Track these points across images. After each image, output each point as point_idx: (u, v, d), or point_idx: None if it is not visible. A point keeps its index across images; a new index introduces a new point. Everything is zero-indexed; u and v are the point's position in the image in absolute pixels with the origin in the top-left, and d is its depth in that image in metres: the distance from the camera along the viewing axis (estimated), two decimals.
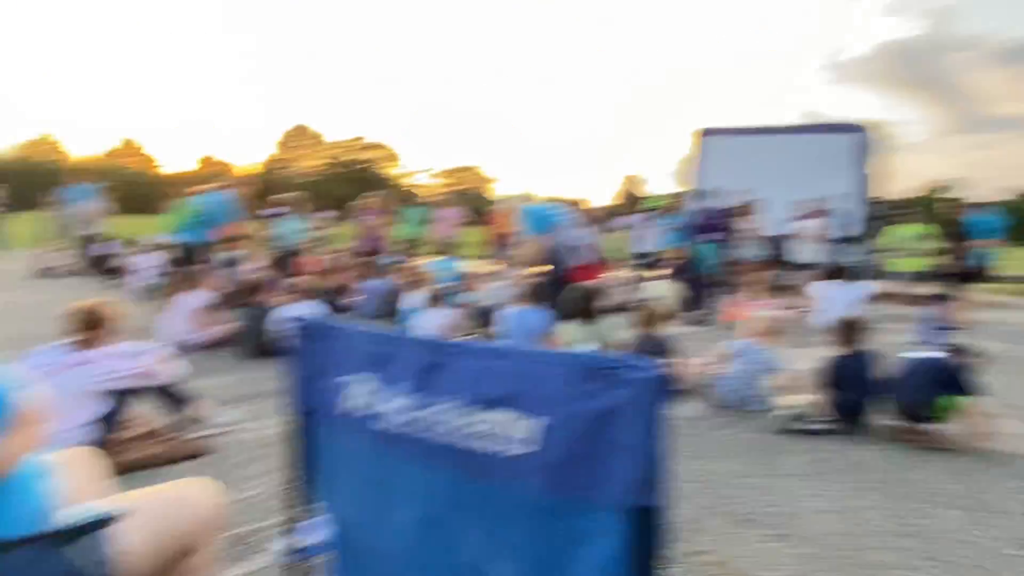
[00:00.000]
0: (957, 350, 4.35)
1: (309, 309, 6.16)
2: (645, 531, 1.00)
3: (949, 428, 4.18)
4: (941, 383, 4.08)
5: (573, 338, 5.24)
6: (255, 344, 6.10)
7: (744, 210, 12.54)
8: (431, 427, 1.22)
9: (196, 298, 6.41)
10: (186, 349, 6.21)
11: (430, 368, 1.22)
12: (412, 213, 13.94)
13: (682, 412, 4.74)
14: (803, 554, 2.70)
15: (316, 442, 1.43)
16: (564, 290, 5.57)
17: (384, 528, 1.36)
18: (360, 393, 1.31)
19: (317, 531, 1.57)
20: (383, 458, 1.31)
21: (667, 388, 1.01)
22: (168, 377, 3.69)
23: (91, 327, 3.38)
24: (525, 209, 6.51)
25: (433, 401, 1.22)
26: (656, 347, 5.18)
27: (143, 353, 3.77)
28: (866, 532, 2.92)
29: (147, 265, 10.01)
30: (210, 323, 6.50)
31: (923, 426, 4.11)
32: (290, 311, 6.16)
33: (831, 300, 8.02)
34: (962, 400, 4.07)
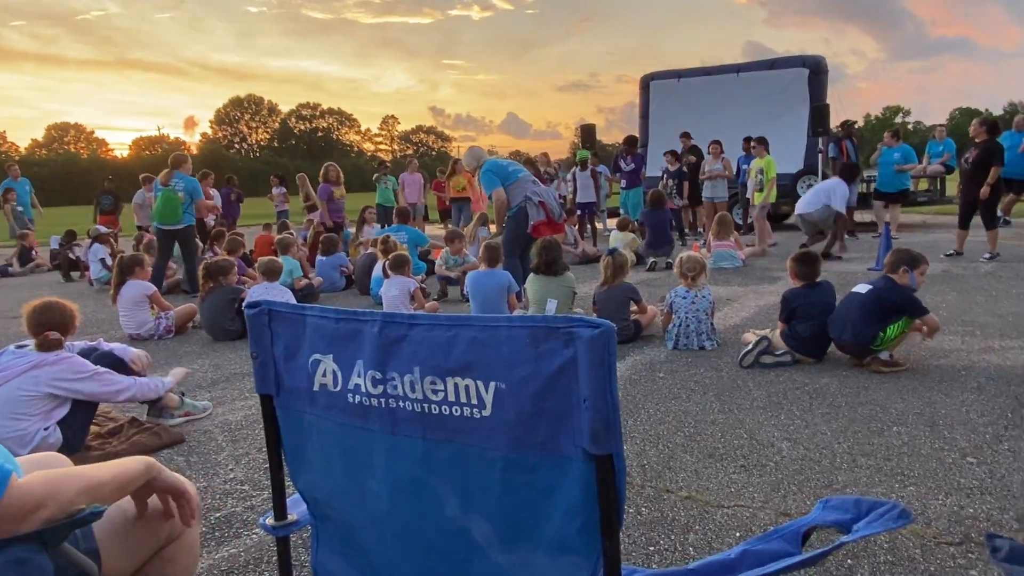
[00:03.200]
0: (895, 263, 4.37)
1: (272, 290, 6.09)
2: (606, 476, 1.06)
3: (899, 351, 4.34)
4: (886, 312, 4.20)
5: (539, 293, 5.29)
6: (219, 327, 6.04)
7: (697, 152, 12.67)
8: (398, 398, 1.27)
9: (139, 288, 6.24)
10: (148, 339, 6.13)
11: (390, 341, 1.26)
12: (388, 181, 13.82)
13: (648, 357, 4.85)
14: (769, 481, 2.81)
15: (289, 422, 1.46)
16: (530, 245, 5.60)
17: (362, 498, 1.40)
18: (327, 371, 1.34)
19: (298, 507, 1.60)
20: (355, 431, 1.35)
21: (616, 342, 1.06)
22: (135, 371, 3.65)
23: (48, 327, 3.31)
24: (487, 166, 6.44)
25: (396, 373, 1.26)
26: (618, 297, 5.27)
27: (102, 347, 3.72)
28: (826, 456, 3.05)
29: (100, 257, 9.79)
30: (170, 309, 6.40)
31: (878, 356, 4.25)
32: (254, 293, 6.10)
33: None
34: (905, 322, 4.20)
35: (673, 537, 2.42)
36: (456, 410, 1.19)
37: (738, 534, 2.42)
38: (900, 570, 2.13)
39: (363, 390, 1.29)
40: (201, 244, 9.46)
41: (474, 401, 1.16)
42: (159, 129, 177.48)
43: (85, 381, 3.27)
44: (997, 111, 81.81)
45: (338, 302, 7.83)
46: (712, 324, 5.05)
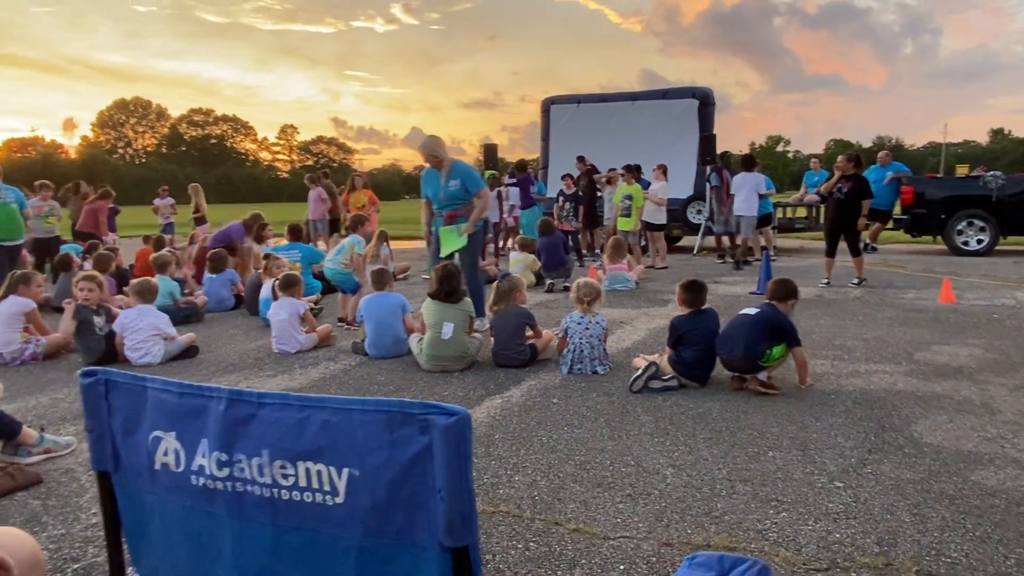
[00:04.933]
0: (774, 292, 4.70)
1: (146, 314, 5.72)
2: (462, 570, 1.03)
3: (777, 374, 4.59)
4: (767, 334, 4.45)
5: (436, 317, 5.24)
6: (90, 352, 5.62)
7: (590, 174, 13.04)
8: (245, 482, 1.20)
9: (17, 304, 5.77)
10: (9, 362, 5.63)
11: (238, 421, 1.19)
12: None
13: (543, 383, 4.89)
14: (653, 510, 2.88)
15: (129, 502, 1.34)
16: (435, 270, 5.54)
17: None
18: (168, 449, 1.25)
19: None
20: (200, 515, 1.26)
21: (472, 430, 1.04)
22: None
23: None
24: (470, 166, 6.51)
25: (244, 455, 1.20)
26: (513, 322, 5.30)
27: None
28: (707, 482, 3.16)
29: None
30: (37, 332, 5.91)
31: (758, 375, 4.48)
32: (126, 316, 5.72)
33: None
34: (785, 347, 4.47)
35: (560, 574, 2.43)
36: (308, 496, 1.14)
37: (622, 567, 2.45)
38: None
39: (208, 472, 1.22)
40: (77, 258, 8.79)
41: (327, 487, 1.12)
42: (33, 130, 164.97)
43: None
44: (867, 143, 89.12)
45: (225, 323, 7.48)
46: (605, 349, 5.16)
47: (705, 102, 14.70)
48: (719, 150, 13.92)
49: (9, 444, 3.53)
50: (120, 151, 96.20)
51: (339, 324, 6.99)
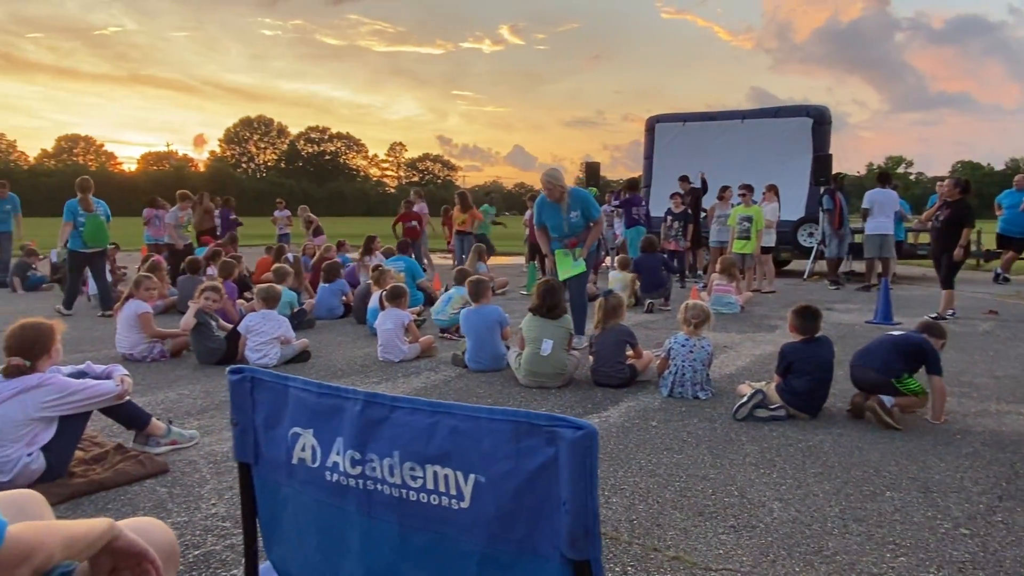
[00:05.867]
0: (928, 328, 4.55)
1: (270, 318, 6.06)
2: None
3: (909, 404, 4.35)
4: (909, 357, 4.29)
5: (536, 332, 5.27)
6: (210, 353, 6.00)
7: (696, 193, 12.76)
8: (376, 480, 1.24)
9: (134, 307, 6.21)
10: (140, 360, 6.09)
11: (372, 422, 1.24)
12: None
13: (642, 404, 4.81)
14: (759, 544, 2.76)
15: (266, 492, 1.43)
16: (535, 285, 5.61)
17: None
18: (306, 445, 1.32)
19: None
20: (331, 510, 1.32)
21: (598, 444, 1.04)
22: (121, 395, 3.59)
23: (31, 349, 3.27)
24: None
25: (376, 455, 1.24)
26: (614, 340, 5.24)
27: (93, 371, 3.68)
28: (817, 519, 3.00)
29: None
30: (162, 332, 6.37)
31: (885, 398, 4.26)
32: (251, 319, 6.07)
33: None
34: (919, 387, 4.26)
35: None
36: (434, 499, 1.17)
37: None
38: None
39: (341, 469, 1.27)
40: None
41: (453, 492, 1.15)
42: (168, 145, 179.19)
43: (72, 396, 3.27)
44: (999, 166, 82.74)
45: (335, 330, 7.81)
46: (708, 375, 5.02)
47: (820, 120, 14.12)
48: (833, 171, 13.32)
49: (140, 434, 3.82)
50: (244, 165, 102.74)
51: (441, 335, 7.15)
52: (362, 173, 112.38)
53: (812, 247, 13.07)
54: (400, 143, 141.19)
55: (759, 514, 3.05)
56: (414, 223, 13.71)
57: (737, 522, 2.97)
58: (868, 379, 4.39)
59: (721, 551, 2.71)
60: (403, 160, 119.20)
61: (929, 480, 3.44)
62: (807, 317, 4.65)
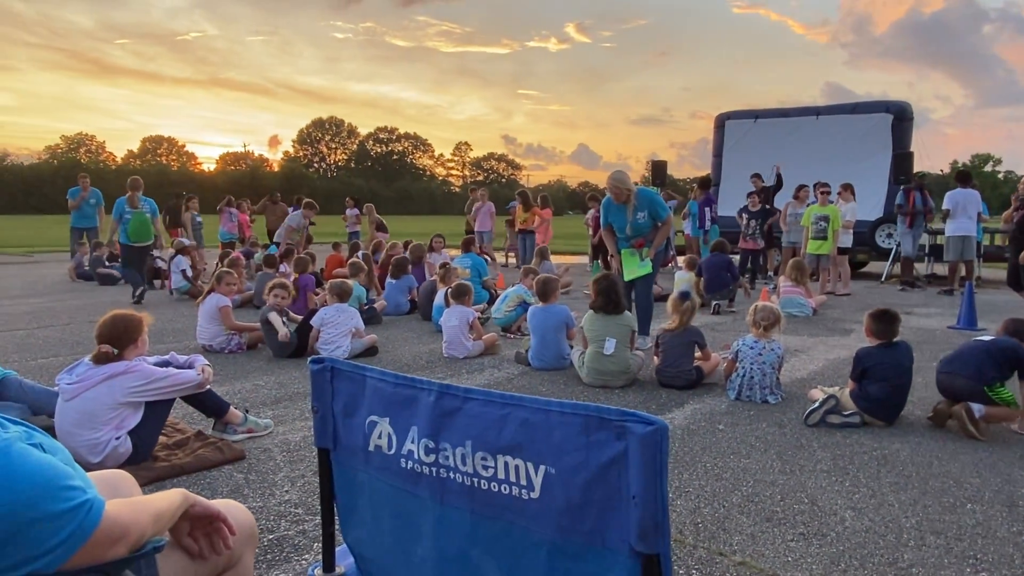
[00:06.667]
0: (1018, 332, 4.34)
1: (343, 312, 6.24)
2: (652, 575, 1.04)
3: (999, 415, 4.14)
4: (1004, 364, 4.11)
5: (598, 331, 5.24)
6: (282, 347, 6.21)
7: (767, 192, 12.43)
8: (449, 469, 1.28)
9: (215, 301, 6.47)
10: (219, 351, 6.36)
11: (445, 412, 1.27)
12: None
13: (709, 407, 4.73)
14: (829, 553, 2.69)
15: (343, 477, 1.49)
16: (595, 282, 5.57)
17: (408, 564, 1.41)
18: (382, 433, 1.37)
19: (346, 559, 1.61)
20: (406, 496, 1.37)
21: (668, 440, 1.04)
22: (202, 383, 3.76)
23: (120, 338, 3.47)
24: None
25: (449, 444, 1.28)
26: (684, 341, 5.17)
27: (176, 361, 3.87)
28: (892, 530, 2.90)
29: (182, 268, 10.25)
30: (240, 325, 6.63)
31: (974, 406, 4.07)
32: (325, 313, 6.25)
33: None
34: (1012, 397, 4.06)
35: None
36: (505, 488, 1.20)
37: None
38: None
39: (416, 457, 1.31)
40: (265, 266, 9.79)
41: (523, 482, 1.17)
42: (245, 146, 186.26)
43: (156, 383, 3.47)
44: None
45: (401, 326, 7.96)
46: (777, 378, 4.90)
47: (901, 117, 13.54)
48: (914, 169, 12.76)
49: (218, 422, 4.00)
50: (316, 166, 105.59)
51: (502, 334, 7.20)
52: (428, 172, 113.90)
53: (890, 248, 12.56)
54: (465, 142, 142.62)
55: (830, 522, 2.97)
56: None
57: (807, 529, 2.90)
58: (957, 386, 4.19)
59: (790, 558, 2.65)
60: (468, 159, 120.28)
61: (1015, 494, 3.27)
62: (885, 321, 4.48)
